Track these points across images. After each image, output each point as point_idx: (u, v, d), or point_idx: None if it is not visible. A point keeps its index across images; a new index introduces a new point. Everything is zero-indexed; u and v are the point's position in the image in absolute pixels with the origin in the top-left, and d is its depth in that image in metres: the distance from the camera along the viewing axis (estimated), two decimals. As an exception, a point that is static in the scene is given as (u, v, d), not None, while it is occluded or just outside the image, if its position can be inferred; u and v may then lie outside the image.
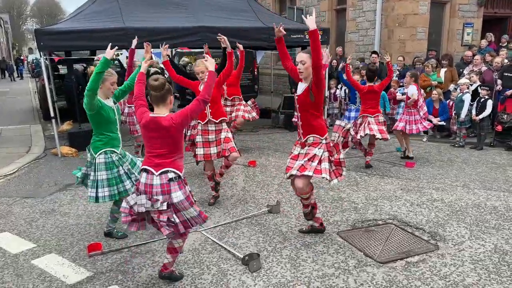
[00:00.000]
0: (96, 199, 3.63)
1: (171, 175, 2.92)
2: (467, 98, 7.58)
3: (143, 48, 3.81)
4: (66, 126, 8.95)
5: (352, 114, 7.46)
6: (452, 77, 8.81)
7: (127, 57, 5.69)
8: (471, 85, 7.91)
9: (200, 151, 4.69)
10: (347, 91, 8.88)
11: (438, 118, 8.12)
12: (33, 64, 28.21)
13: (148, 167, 2.95)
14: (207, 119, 4.64)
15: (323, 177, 3.56)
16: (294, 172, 3.63)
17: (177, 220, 2.97)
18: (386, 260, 3.54)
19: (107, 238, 4.02)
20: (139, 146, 6.86)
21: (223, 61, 4.88)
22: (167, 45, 4.63)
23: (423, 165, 6.49)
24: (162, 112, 2.97)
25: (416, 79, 6.76)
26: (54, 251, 3.82)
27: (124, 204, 3.00)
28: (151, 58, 3.79)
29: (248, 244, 3.88)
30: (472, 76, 8.05)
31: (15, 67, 34.59)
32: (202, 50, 5.15)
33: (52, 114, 7.28)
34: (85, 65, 10.91)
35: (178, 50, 13.65)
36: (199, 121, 4.71)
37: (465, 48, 10.75)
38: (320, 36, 3.51)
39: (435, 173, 6.05)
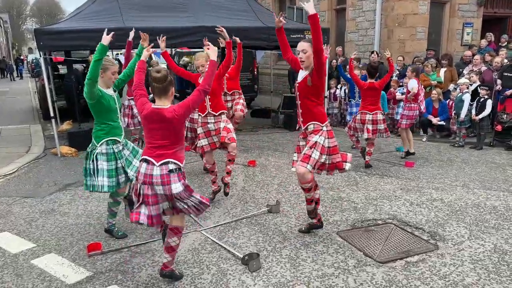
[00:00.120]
0: (93, 187, 3.65)
1: (171, 166, 2.93)
2: (466, 98, 7.58)
3: (144, 48, 3.83)
4: (66, 126, 8.94)
5: (354, 109, 7.51)
6: (451, 77, 8.81)
7: None
8: (471, 85, 7.91)
9: (204, 141, 4.70)
10: (347, 91, 8.87)
11: (438, 118, 8.13)
12: (32, 64, 28.27)
13: (149, 158, 2.95)
14: (207, 112, 4.65)
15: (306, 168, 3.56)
16: (295, 157, 3.75)
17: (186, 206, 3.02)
18: (385, 259, 3.55)
19: (107, 238, 4.02)
20: (136, 140, 6.82)
21: (222, 59, 4.89)
22: (164, 37, 4.66)
23: (422, 165, 6.49)
24: (164, 103, 2.97)
25: (417, 74, 6.80)
26: (53, 251, 3.82)
27: (142, 218, 2.97)
28: (151, 46, 3.83)
29: (247, 243, 3.88)
30: (472, 76, 8.05)
31: (14, 67, 34.62)
32: (202, 50, 5.16)
33: (51, 114, 7.28)
34: (84, 65, 10.91)
35: (178, 50, 13.66)
36: (199, 113, 4.72)
37: (464, 48, 10.76)
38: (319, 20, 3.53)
39: (435, 173, 6.06)
